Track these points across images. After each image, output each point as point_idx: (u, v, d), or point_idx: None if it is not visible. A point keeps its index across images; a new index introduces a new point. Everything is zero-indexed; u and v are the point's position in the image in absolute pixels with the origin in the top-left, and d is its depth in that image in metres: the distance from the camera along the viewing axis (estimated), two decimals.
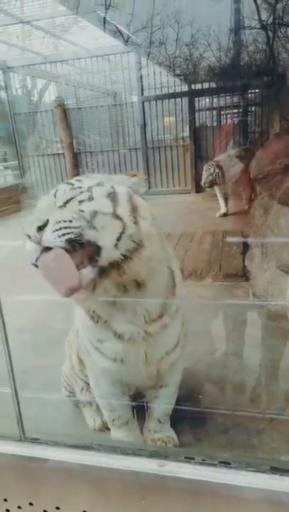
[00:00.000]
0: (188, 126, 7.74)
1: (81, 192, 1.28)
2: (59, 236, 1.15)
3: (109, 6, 6.16)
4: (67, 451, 1.26)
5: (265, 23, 7.02)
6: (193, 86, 7.77)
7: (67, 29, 7.05)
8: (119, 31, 6.97)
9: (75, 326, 1.79)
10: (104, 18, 6.44)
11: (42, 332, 2.97)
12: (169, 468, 1.16)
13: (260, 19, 7.03)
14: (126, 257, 1.25)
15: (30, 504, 1.31)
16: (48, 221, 1.18)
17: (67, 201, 1.26)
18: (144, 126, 7.68)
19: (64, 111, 7.74)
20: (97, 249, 1.21)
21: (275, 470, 1.10)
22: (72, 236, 1.16)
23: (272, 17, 7.01)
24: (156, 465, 1.17)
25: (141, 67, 7.60)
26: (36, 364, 2.53)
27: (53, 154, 8.55)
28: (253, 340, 2.70)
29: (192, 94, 7.62)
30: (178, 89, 7.76)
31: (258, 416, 2.01)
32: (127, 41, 7.30)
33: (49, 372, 2.39)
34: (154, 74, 7.68)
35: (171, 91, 7.69)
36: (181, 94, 7.66)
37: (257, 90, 7.69)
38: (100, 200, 1.26)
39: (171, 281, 1.51)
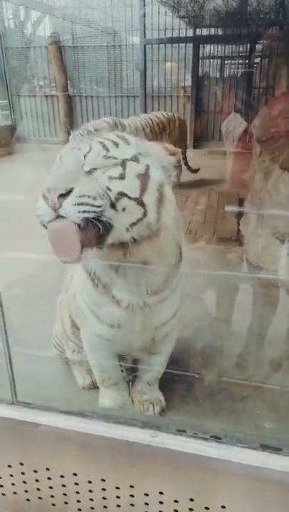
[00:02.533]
0: (190, 75, 7.36)
1: (114, 164, 1.18)
2: (78, 211, 1.09)
3: None
4: (60, 417, 1.27)
5: None
6: (197, 31, 7.31)
7: None
8: None
9: (70, 287, 1.76)
10: None
11: (33, 288, 2.95)
12: (160, 440, 1.18)
13: None
14: (136, 241, 1.21)
15: (21, 464, 1.34)
16: (72, 190, 1.10)
17: (97, 169, 1.16)
18: (145, 71, 7.24)
19: (59, 48, 7.25)
20: (109, 229, 1.15)
21: (264, 447, 1.13)
22: (91, 216, 1.10)
23: None
24: (148, 435, 1.19)
25: (144, 6, 7.05)
26: (26, 321, 2.52)
27: (46, 96, 8.11)
28: (242, 307, 2.72)
29: (196, 40, 7.17)
30: (182, 34, 7.28)
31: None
32: None
33: (40, 329, 2.39)
34: (159, 14, 7.16)
35: (175, 35, 7.21)
36: (185, 40, 7.20)
37: (264, 41, 7.27)
38: (130, 180, 1.18)
39: (178, 258, 1.48)
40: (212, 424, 1.72)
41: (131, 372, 1.94)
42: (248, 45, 7.22)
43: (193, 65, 7.22)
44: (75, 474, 1.29)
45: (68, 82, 7.74)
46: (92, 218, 1.10)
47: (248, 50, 7.36)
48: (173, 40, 7.21)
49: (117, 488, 1.24)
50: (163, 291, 1.46)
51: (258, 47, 7.33)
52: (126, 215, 1.16)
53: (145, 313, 1.49)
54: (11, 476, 1.36)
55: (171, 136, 5.40)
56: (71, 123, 7.74)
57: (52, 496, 1.34)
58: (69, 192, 1.09)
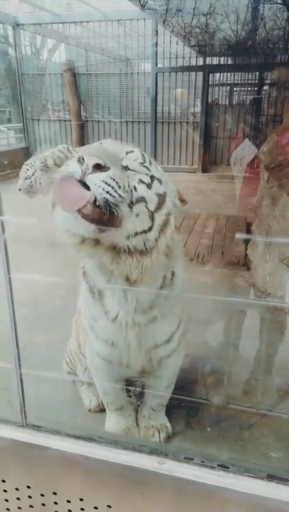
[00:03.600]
0: (199, 102, 7.53)
1: (146, 174, 1.27)
2: (103, 189, 1.13)
3: None
4: (68, 441, 1.28)
5: None
6: (208, 60, 7.51)
7: None
8: None
9: (78, 305, 1.80)
10: None
11: (42, 307, 2.98)
12: (167, 467, 1.18)
13: None
14: (128, 251, 1.25)
15: (28, 487, 1.34)
16: (107, 169, 1.15)
17: (130, 170, 1.24)
18: (156, 98, 7.45)
19: (74, 75, 7.49)
20: (115, 224, 1.19)
21: (272, 478, 1.13)
22: (111, 200, 1.14)
23: None
24: (155, 462, 1.20)
25: (157, 35, 7.30)
26: (34, 340, 2.54)
27: (59, 120, 8.33)
28: (250, 333, 2.72)
29: (206, 69, 7.37)
30: (192, 62, 7.49)
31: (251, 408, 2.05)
32: (143, 6, 6.99)
33: (47, 349, 2.41)
34: (170, 43, 7.40)
35: (185, 63, 7.42)
36: (196, 68, 7.41)
37: (273, 70, 7.46)
38: (152, 194, 1.26)
39: (169, 283, 1.50)
40: (219, 452, 1.72)
41: (140, 397, 1.94)
42: (257, 73, 7.40)
43: (203, 92, 7.40)
44: (81, 499, 1.29)
45: (81, 107, 7.96)
46: (109, 204, 1.14)
47: (256, 78, 7.54)
48: (184, 69, 7.43)
49: None
50: (151, 311, 1.49)
51: (267, 75, 7.51)
52: (136, 221, 1.22)
53: (136, 332, 1.51)
54: (18, 499, 1.36)
55: None
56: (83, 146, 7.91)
57: None
58: (104, 169, 1.14)
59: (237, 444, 1.89)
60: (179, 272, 1.54)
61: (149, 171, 1.28)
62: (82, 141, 7.95)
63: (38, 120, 8.43)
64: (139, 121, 7.86)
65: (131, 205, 1.20)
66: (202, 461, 1.18)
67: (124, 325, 1.49)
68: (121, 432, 1.83)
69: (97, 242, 1.24)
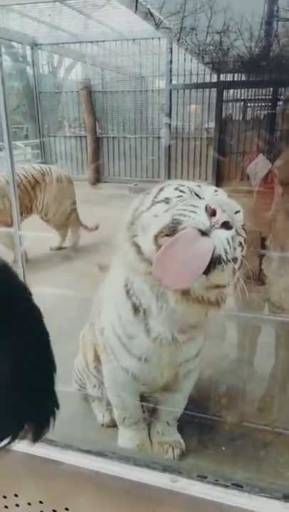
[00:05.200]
0: (214, 118, 7.60)
1: (243, 237, 1.30)
2: (223, 247, 1.14)
3: None
4: (80, 456, 1.28)
5: None
6: (222, 76, 7.60)
7: (98, 8, 6.91)
8: (151, 14, 6.81)
9: (98, 322, 1.79)
10: None
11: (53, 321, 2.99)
12: (181, 485, 1.17)
13: None
14: (199, 300, 1.26)
15: (40, 502, 1.34)
16: (231, 227, 1.16)
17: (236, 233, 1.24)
18: (170, 114, 7.55)
19: (90, 93, 7.66)
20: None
21: (287, 498, 1.10)
22: (224, 259, 1.15)
23: None
24: (168, 480, 1.18)
25: (171, 53, 7.43)
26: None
27: (75, 136, 8.49)
28: (265, 349, 2.68)
29: (220, 85, 7.45)
30: (207, 79, 7.59)
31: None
32: (158, 25, 7.14)
33: (60, 363, 2.41)
34: (184, 61, 7.52)
35: (200, 80, 7.52)
36: (210, 85, 7.49)
37: (287, 86, 7.50)
38: (240, 255, 1.27)
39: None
40: (233, 470, 1.69)
41: (152, 414, 1.93)
42: (271, 89, 7.45)
43: (217, 108, 7.46)
44: None
45: (97, 124, 8.12)
46: (219, 260, 1.14)
47: (270, 93, 7.58)
48: (198, 86, 7.52)
49: None
50: (194, 330, 1.50)
51: (281, 90, 7.55)
52: (221, 276, 1.20)
53: (172, 349, 1.52)
54: None
55: (47, 194, 4.49)
56: (98, 162, 8.05)
57: None
58: (229, 227, 1.15)
59: (252, 463, 1.85)
60: None
61: (245, 233, 1.31)
62: (97, 156, 8.09)
63: (55, 136, 8.61)
64: (153, 137, 7.96)
65: (227, 264, 1.19)
66: (216, 480, 1.16)
67: (164, 343, 1.49)
68: (134, 448, 1.82)
69: None
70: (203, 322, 1.50)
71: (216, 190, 1.33)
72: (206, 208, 1.14)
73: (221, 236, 1.13)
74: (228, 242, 1.14)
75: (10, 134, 1.25)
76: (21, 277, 1.31)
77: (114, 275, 1.58)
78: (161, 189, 1.34)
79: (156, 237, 1.21)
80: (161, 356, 1.53)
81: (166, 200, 1.27)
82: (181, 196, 1.26)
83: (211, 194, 1.31)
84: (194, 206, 1.16)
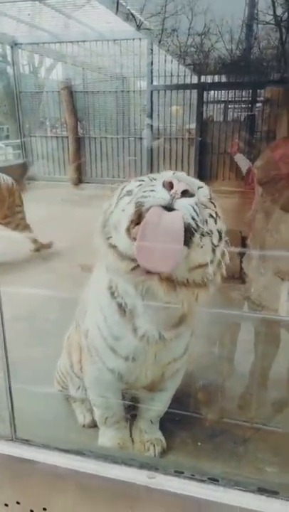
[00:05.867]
0: (195, 119, 7.66)
1: (212, 210, 1.30)
2: (190, 213, 1.15)
3: None
4: (58, 455, 1.27)
5: (279, 19, 6.94)
6: (203, 78, 7.67)
7: (78, 8, 6.89)
8: (132, 15, 6.83)
9: (83, 324, 1.77)
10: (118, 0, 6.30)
11: (35, 322, 2.97)
12: (158, 481, 1.17)
13: (275, 14, 6.95)
14: (185, 284, 1.27)
15: (17, 503, 1.33)
16: (193, 195, 1.17)
17: (202, 204, 1.25)
18: (151, 115, 7.58)
19: (71, 93, 7.62)
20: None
21: (262, 491, 1.12)
22: (193, 226, 1.15)
23: (287, 13, 6.93)
24: (145, 476, 1.19)
25: (152, 54, 7.46)
26: (27, 355, 2.53)
27: (56, 136, 8.44)
28: (245, 346, 2.72)
29: (201, 87, 7.51)
30: (187, 80, 7.65)
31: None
32: (139, 26, 7.16)
33: (41, 364, 2.40)
34: (165, 62, 7.56)
35: (180, 81, 7.57)
36: (191, 86, 7.55)
37: (267, 87, 7.61)
38: (216, 229, 1.28)
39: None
40: (212, 466, 1.70)
41: (129, 410, 1.93)
42: (251, 91, 7.55)
43: (198, 109, 7.53)
44: None
45: (78, 124, 8.08)
46: (190, 228, 1.15)
47: (250, 95, 7.68)
48: (179, 87, 7.56)
49: None
50: (180, 326, 1.50)
51: (260, 92, 7.66)
52: (200, 253, 1.21)
53: (159, 348, 1.52)
54: None
55: None
56: (80, 162, 8.02)
57: None
58: (190, 195, 1.16)
59: (232, 458, 1.87)
60: None
61: (215, 207, 1.31)
62: (79, 156, 8.05)
63: (36, 136, 8.54)
64: (135, 138, 7.97)
65: (201, 237, 1.21)
66: (192, 475, 1.17)
67: (150, 341, 1.49)
68: (116, 447, 1.82)
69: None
70: (189, 316, 1.51)
71: (174, 173, 1.35)
72: (164, 184, 1.17)
73: (183, 204, 1.15)
74: (194, 209, 1.16)
75: None
76: None
77: (98, 277, 1.57)
78: (124, 186, 1.36)
79: (128, 230, 1.22)
80: (147, 354, 1.53)
81: (129, 193, 1.29)
82: (141, 185, 1.28)
83: (170, 174, 1.31)
84: (152, 185, 1.19)
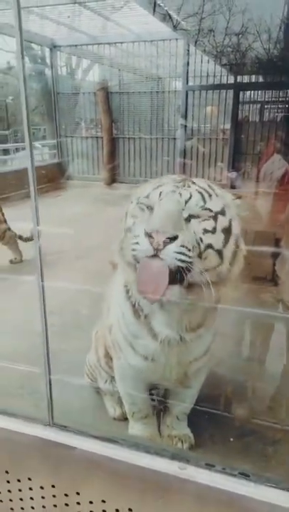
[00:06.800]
0: (229, 119, 7.60)
1: (209, 217, 1.29)
2: (176, 259, 1.20)
3: None
4: (92, 442, 1.32)
5: None
6: (239, 78, 7.60)
7: (116, 10, 6.98)
8: (169, 16, 6.85)
9: (107, 320, 1.83)
10: (155, 1, 6.34)
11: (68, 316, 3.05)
12: (189, 472, 1.20)
13: None
14: (203, 284, 1.28)
15: (53, 486, 1.38)
16: (176, 237, 1.21)
17: (194, 218, 1.28)
18: (186, 115, 7.58)
19: (107, 94, 7.73)
20: (187, 272, 1.24)
21: None
22: (184, 266, 1.21)
23: None
24: (176, 467, 1.21)
25: (188, 55, 7.46)
26: (61, 347, 2.60)
27: (92, 137, 8.58)
28: (277, 349, 2.69)
29: (237, 87, 7.44)
30: (223, 81, 7.59)
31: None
32: (176, 27, 7.18)
33: (73, 356, 2.46)
34: (201, 62, 7.53)
35: (216, 82, 7.53)
36: (226, 86, 7.49)
37: None
38: (218, 234, 1.30)
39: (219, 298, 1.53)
40: (241, 465, 1.70)
41: (161, 402, 1.96)
42: (288, 91, 7.41)
43: (233, 110, 7.46)
44: (103, 501, 1.31)
45: (113, 124, 8.19)
46: (184, 267, 1.21)
47: (287, 95, 7.54)
48: (214, 87, 7.53)
49: None
50: (201, 328, 1.52)
51: None
52: (204, 262, 1.26)
53: (180, 349, 1.54)
54: (43, 498, 1.40)
55: None
56: (114, 162, 8.13)
57: None
58: (174, 238, 1.20)
59: (260, 459, 1.86)
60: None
61: (211, 211, 1.30)
62: (113, 157, 8.15)
63: (72, 137, 8.72)
64: (169, 138, 7.99)
65: (200, 255, 1.25)
66: (223, 468, 1.19)
67: (172, 344, 1.52)
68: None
69: None
70: (210, 317, 1.53)
71: (161, 193, 1.34)
72: (145, 234, 1.22)
73: (168, 253, 1.20)
74: (179, 252, 1.20)
75: (31, 134, 1.30)
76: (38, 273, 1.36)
77: (118, 274, 1.62)
78: (127, 211, 1.41)
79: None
80: (168, 356, 1.55)
81: (128, 230, 1.36)
82: (134, 222, 1.34)
83: (157, 201, 1.32)
84: (136, 237, 1.26)
